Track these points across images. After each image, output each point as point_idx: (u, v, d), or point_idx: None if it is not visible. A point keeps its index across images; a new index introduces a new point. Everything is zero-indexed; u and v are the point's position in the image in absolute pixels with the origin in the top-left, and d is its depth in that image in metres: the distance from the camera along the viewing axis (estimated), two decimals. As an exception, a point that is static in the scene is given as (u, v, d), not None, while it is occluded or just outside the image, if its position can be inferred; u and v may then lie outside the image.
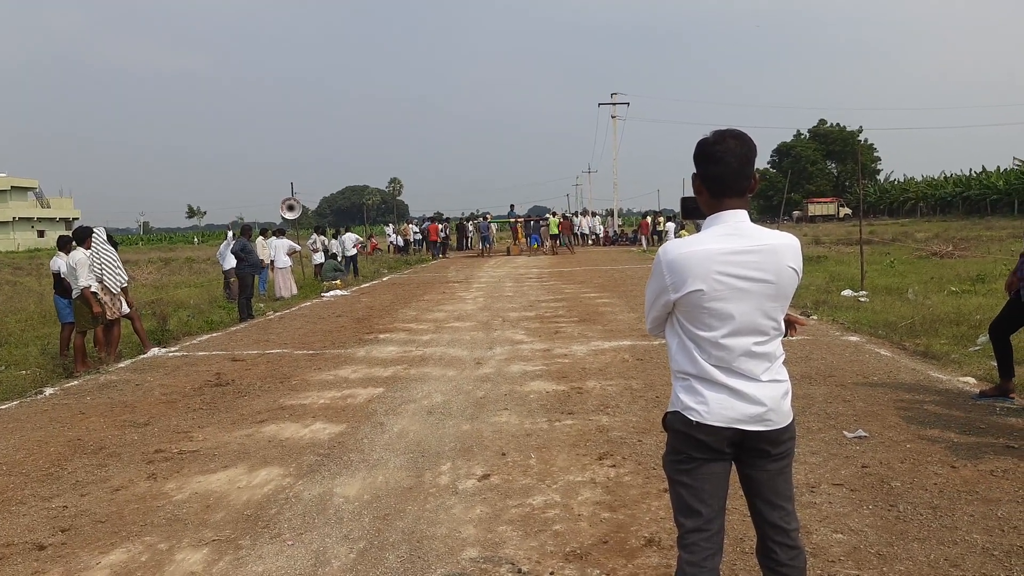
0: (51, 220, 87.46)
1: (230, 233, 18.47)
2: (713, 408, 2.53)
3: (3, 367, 10.11)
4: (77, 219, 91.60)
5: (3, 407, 7.92)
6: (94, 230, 10.29)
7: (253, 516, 4.66)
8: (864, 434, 5.70)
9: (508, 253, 37.50)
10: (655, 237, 38.89)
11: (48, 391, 8.58)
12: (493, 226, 42.95)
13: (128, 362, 10.29)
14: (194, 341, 12.12)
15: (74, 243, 10.20)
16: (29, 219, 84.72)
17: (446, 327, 12.39)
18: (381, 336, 11.65)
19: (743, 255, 2.48)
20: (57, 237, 10.90)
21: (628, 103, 49.90)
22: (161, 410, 7.46)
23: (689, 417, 2.56)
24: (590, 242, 44.07)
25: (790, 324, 2.72)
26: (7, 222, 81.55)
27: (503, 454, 5.67)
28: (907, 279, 15.85)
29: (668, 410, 2.69)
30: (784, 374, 2.61)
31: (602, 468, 5.26)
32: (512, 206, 43.55)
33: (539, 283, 20.22)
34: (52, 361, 10.20)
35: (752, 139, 2.56)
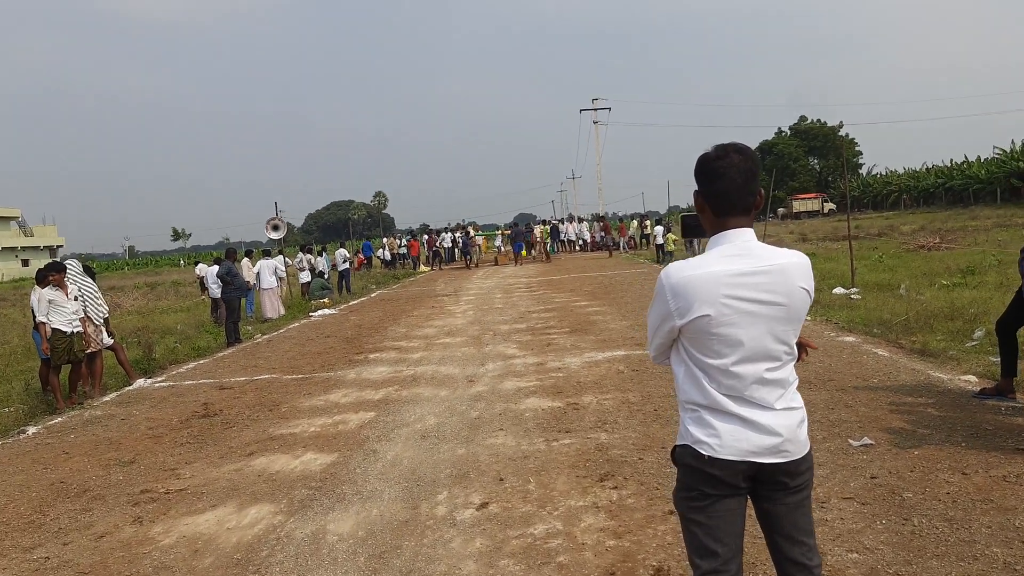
0: (35, 248, 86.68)
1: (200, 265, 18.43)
2: (726, 441, 2.37)
3: (-15, 405, 9.86)
4: (61, 246, 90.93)
5: (-16, 450, 7.69)
6: (67, 264, 10.04)
7: (243, 560, 4.47)
8: (870, 442, 5.56)
9: (495, 263, 37.31)
10: (644, 240, 38.78)
11: (31, 430, 8.34)
12: (479, 239, 42.38)
13: (113, 395, 10.06)
14: (181, 369, 11.89)
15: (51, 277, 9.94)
16: (13, 248, 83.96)
17: (437, 343, 12.21)
18: (371, 356, 11.46)
19: (752, 276, 2.33)
20: (36, 271, 10.62)
21: (610, 108, 50.11)
22: (147, 446, 7.25)
23: (700, 451, 2.40)
24: (577, 248, 43.95)
25: (801, 347, 2.56)
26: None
27: (501, 479, 5.49)
28: (897, 274, 15.78)
29: (677, 443, 2.53)
30: (799, 400, 2.46)
31: (604, 491, 5.09)
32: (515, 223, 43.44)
33: (528, 293, 20.06)
34: (36, 397, 9.96)
35: (756, 154, 2.42)
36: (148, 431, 7.84)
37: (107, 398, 9.89)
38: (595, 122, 49.82)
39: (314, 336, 14.66)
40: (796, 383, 2.47)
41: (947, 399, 6.57)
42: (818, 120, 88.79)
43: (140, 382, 10.76)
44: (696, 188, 2.48)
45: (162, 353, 12.91)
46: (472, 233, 40.15)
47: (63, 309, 9.48)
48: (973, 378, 7.20)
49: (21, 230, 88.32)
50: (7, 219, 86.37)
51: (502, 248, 43.13)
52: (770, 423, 2.38)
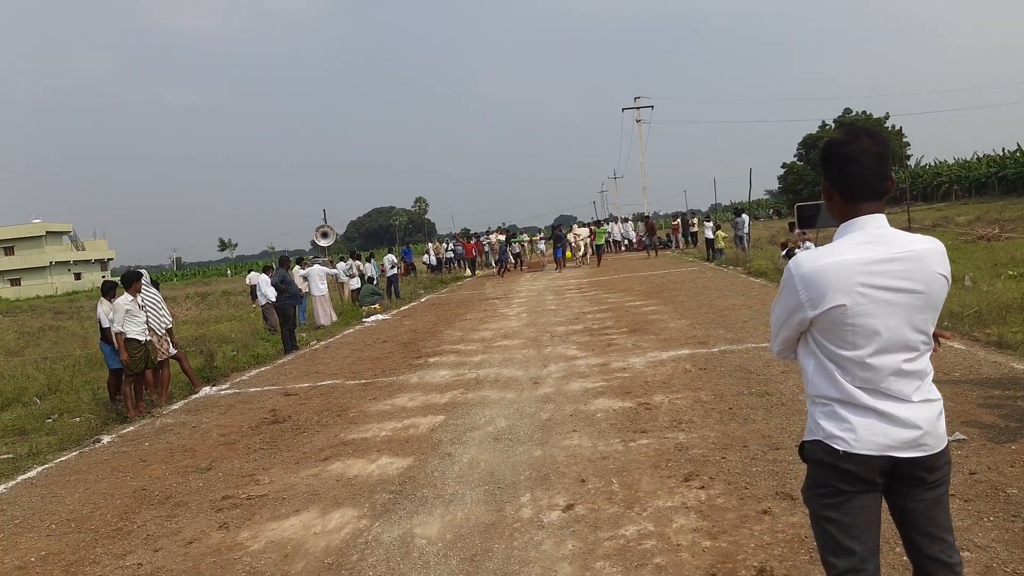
0: (86, 262, 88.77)
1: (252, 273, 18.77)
2: (861, 435, 2.29)
3: (56, 415, 10.06)
4: (111, 259, 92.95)
5: (64, 458, 7.82)
6: (142, 274, 10.23)
7: (335, 564, 4.47)
8: (962, 437, 5.39)
9: (529, 269, 35.02)
10: (690, 238, 38.37)
11: (106, 439, 8.47)
12: (516, 244, 39.41)
13: (181, 403, 10.20)
14: (243, 377, 12.02)
15: (121, 288, 10.12)
16: (65, 263, 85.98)
17: (495, 346, 12.18)
18: (431, 360, 11.47)
19: (888, 264, 2.25)
20: (103, 283, 10.83)
21: (652, 106, 49.61)
22: (222, 452, 7.32)
23: (834, 446, 2.32)
24: (623, 248, 43.67)
25: (935, 337, 2.47)
26: (44, 267, 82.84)
27: (582, 480, 5.43)
28: (960, 266, 15.37)
29: (806, 439, 2.45)
30: (936, 392, 2.37)
31: (691, 491, 5.00)
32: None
33: (580, 294, 19.95)
34: (104, 407, 10.13)
35: (887, 137, 2.33)
36: (220, 438, 7.92)
37: (175, 406, 10.03)
38: (638, 121, 49.49)
39: (371, 341, 14.73)
40: (932, 374, 2.38)
41: (1036, 392, 6.36)
42: (863, 112, 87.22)
43: (205, 390, 10.90)
44: (823, 175, 2.41)
45: (223, 361, 13.07)
46: (495, 239, 37.52)
47: (137, 319, 9.66)
48: (1059, 370, 6.97)
49: (73, 244, 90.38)
50: (59, 234, 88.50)
51: (544, 251, 42.46)
52: (908, 416, 2.29)
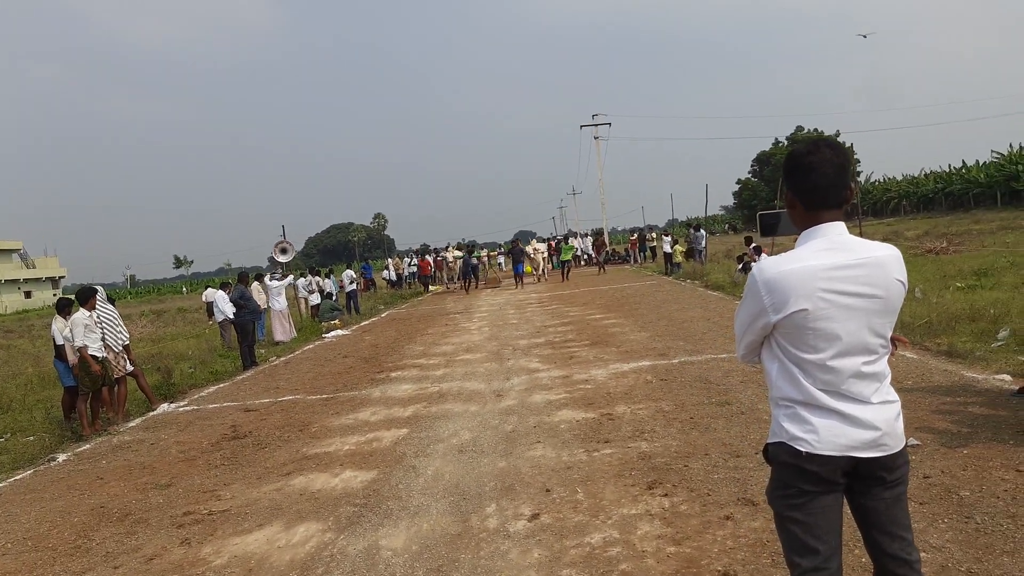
0: (37, 280, 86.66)
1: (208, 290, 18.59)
2: (824, 436, 2.36)
3: (8, 434, 9.83)
4: (63, 277, 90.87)
5: (18, 477, 7.65)
6: (97, 290, 10.06)
7: (301, 577, 4.44)
8: (916, 442, 5.53)
9: (486, 285, 34.12)
10: (645, 254, 38.75)
11: (61, 457, 8.31)
12: (475, 259, 38.10)
13: (138, 420, 10.03)
14: (202, 393, 11.86)
15: (76, 305, 9.93)
16: (15, 281, 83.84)
17: (457, 360, 12.18)
18: (393, 374, 11.43)
19: (848, 270, 2.34)
20: (57, 300, 10.62)
21: (610, 123, 50.11)
22: (182, 469, 7.22)
23: (798, 448, 2.39)
24: (582, 263, 43.93)
25: (892, 341, 2.55)
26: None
27: (547, 490, 5.46)
28: (910, 278, 15.52)
29: (769, 441, 2.52)
30: (894, 394, 2.46)
31: (654, 498, 5.06)
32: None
33: (541, 308, 20.03)
34: (59, 426, 9.92)
35: (846, 148, 2.42)
36: (180, 454, 7.81)
37: (132, 423, 9.86)
38: (596, 137, 49.94)
39: (331, 357, 14.63)
40: (890, 376, 2.46)
41: (985, 398, 6.56)
42: (815, 129, 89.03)
43: (163, 407, 10.73)
44: (785, 185, 2.49)
45: (180, 378, 12.88)
46: (451, 256, 36.84)
47: (94, 335, 9.49)
48: (1007, 377, 7.19)
49: (23, 262, 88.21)
50: (9, 252, 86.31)
51: (503, 266, 42.34)
52: (868, 417, 2.37)
